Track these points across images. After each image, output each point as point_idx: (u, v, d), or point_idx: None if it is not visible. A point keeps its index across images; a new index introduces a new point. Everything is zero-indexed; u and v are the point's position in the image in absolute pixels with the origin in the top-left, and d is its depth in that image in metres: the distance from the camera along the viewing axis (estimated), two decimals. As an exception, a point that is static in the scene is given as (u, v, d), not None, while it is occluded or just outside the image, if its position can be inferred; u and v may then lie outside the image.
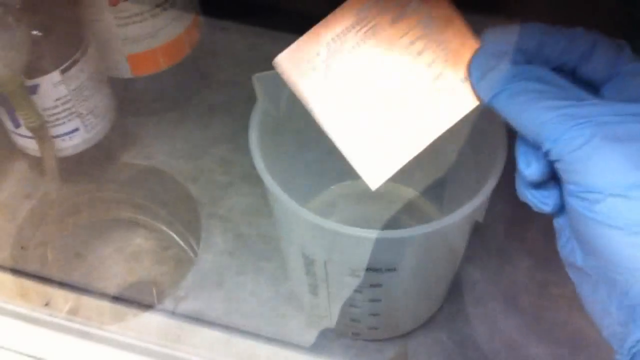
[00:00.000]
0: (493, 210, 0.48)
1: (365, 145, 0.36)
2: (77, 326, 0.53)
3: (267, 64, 0.48)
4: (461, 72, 0.36)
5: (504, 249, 0.59)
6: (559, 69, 0.35)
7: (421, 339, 0.55)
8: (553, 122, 0.32)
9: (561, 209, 0.35)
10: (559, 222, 0.35)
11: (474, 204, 0.42)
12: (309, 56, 0.36)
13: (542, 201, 0.35)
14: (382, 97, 0.36)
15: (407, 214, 0.60)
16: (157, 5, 0.59)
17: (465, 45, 0.36)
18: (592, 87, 0.35)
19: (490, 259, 0.59)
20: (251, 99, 0.48)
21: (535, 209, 0.36)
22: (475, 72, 0.36)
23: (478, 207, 0.42)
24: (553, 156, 0.32)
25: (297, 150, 0.55)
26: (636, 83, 0.33)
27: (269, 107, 0.48)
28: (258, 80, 0.47)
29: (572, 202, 0.32)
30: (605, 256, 0.31)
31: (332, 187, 0.62)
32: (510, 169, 0.37)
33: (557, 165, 0.33)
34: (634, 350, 0.31)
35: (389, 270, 0.46)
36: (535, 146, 0.34)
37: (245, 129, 0.48)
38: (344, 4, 0.36)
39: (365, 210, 0.61)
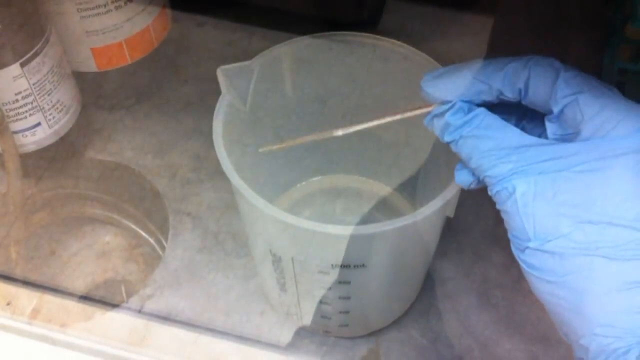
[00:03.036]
0: (466, 206, 0.48)
1: None
2: (38, 330, 0.52)
3: (243, 59, 0.47)
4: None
5: (477, 244, 0.59)
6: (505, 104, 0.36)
7: (393, 336, 0.55)
8: (487, 175, 0.34)
9: None
10: None
11: (442, 199, 0.41)
12: None
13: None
14: None
15: (380, 211, 0.60)
16: (121, -3, 0.58)
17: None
18: (539, 116, 0.36)
19: (462, 255, 0.58)
20: (225, 95, 0.48)
21: None
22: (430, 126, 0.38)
23: (447, 202, 0.41)
24: (496, 204, 0.35)
25: (264, 145, 0.54)
26: (572, 117, 0.33)
27: (234, 100, 0.47)
28: (223, 73, 0.46)
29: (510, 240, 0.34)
30: (538, 297, 0.34)
31: (303, 183, 0.61)
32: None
33: None
34: None
35: (357, 267, 0.45)
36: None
37: (217, 124, 0.47)
38: None
39: (336, 206, 0.60)
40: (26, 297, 0.56)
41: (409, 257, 0.49)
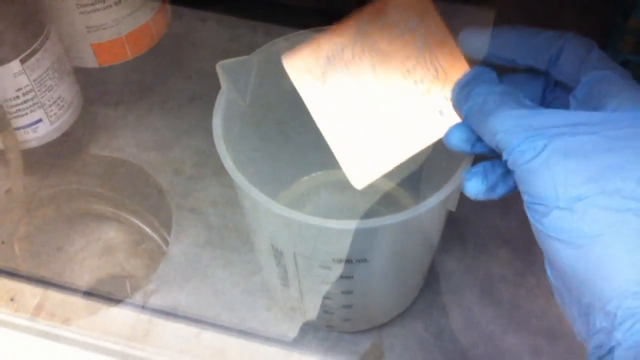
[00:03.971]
0: (469, 201, 0.48)
1: (354, 148, 0.39)
2: (41, 326, 0.53)
3: (246, 54, 0.47)
4: (448, 91, 0.39)
5: (481, 239, 0.59)
6: (532, 71, 0.38)
7: (397, 331, 0.55)
8: (508, 134, 0.33)
9: None
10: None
11: (444, 193, 0.41)
12: (310, 64, 0.40)
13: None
14: (373, 107, 0.39)
15: (383, 205, 0.59)
16: (121, -8, 0.58)
17: (454, 66, 0.39)
18: (564, 90, 0.37)
19: (466, 250, 0.58)
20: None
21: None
22: (456, 93, 0.38)
23: (448, 196, 0.41)
24: (510, 166, 0.33)
25: (266, 140, 0.54)
26: (599, 90, 0.34)
27: (234, 95, 0.47)
28: (222, 68, 0.46)
29: (527, 213, 0.33)
30: (557, 267, 0.32)
31: (305, 178, 0.61)
32: (482, 158, 0.38)
33: (515, 176, 0.34)
34: (594, 357, 0.31)
35: (359, 261, 0.45)
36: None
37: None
38: (345, 19, 0.40)
39: (339, 201, 0.60)
40: (30, 293, 0.56)
41: (411, 251, 0.48)
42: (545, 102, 0.39)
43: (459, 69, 0.39)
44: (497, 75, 0.38)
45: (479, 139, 0.37)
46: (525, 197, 0.33)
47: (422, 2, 0.39)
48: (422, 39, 0.39)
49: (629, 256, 0.30)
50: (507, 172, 0.37)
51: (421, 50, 0.39)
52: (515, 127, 0.33)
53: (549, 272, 0.33)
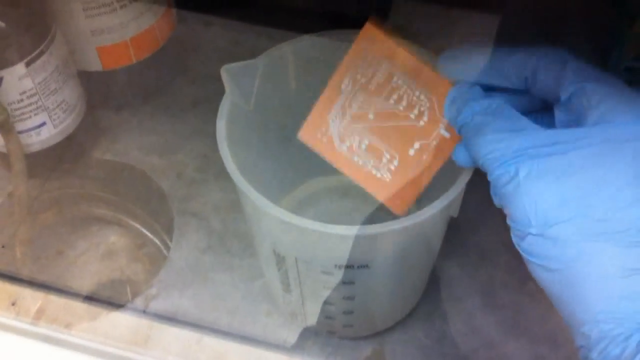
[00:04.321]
0: (471, 207, 0.48)
1: (386, 184, 0.43)
2: (42, 330, 0.52)
3: (250, 58, 0.47)
4: (439, 110, 0.41)
5: (482, 245, 0.58)
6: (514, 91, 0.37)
7: (398, 337, 0.54)
8: (487, 160, 0.34)
9: None
10: None
11: (446, 199, 0.41)
12: (322, 131, 0.43)
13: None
14: (387, 146, 0.43)
15: (385, 211, 0.59)
16: (126, -4, 0.58)
17: (439, 88, 0.40)
18: (547, 105, 0.37)
19: (468, 256, 0.58)
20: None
21: None
22: (447, 112, 0.40)
23: (450, 202, 0.41)
24: (491, 192, 0.34)
25: (270, 144, 0.54)
26: (578, 103, 0.34)
27: (238, 99, 0.47)
28: (227, 72, 0.46)
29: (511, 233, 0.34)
30: (541, 287, 0.33)
31: (308, 183, 0.61)
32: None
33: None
34: None
35: (361, 267, 0.45)
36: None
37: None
38: (329, 84, 0.43)
39: (342, 206, 0.60)
40: (31, 298, 0.56)
41: (413, 258, 0.48)
42: (532, 114, 0.38)
43: (444, 88, 0.40)
44: (480, 89, 0.38)
45: None
46: (507, 220, 0.34)
47: (385, 43, 0.41)
48: (400, 76, 0.41)
49: (601, 282, 0.30)
50: None
51: (404, 86, 0.41)
52: (492, 152, 0.34)
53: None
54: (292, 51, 0.49)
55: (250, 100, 0.48)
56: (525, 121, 0.35)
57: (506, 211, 0.34)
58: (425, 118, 0.41)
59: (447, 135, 0.41)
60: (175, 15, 0.67)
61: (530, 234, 0.32)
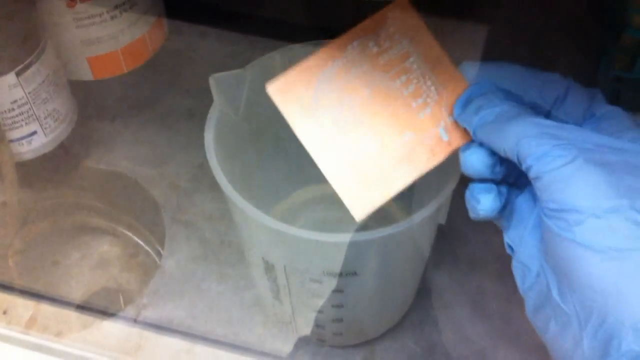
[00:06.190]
0: (461, 216, 0.48)
1: (352, 178, 0.37)
2: (34, 339, 0.53)
3: (243, 69, 0.47)
4: (449, 108, 0.38)
5: (472, 254, 0.59)
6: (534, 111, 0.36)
7: (388, 345, 0.55)
8: (536, 139, 0.32)
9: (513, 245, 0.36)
10: (520, 261, 0.36)
11: (433, 206, 0.41)
12: (299, 89, 0.37)
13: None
14: (371, 134, 0.37)
15: (375, 219, 0.59)
16: (116, 7, 0.58)
17: (454, 84, 0.38)
18: None
19: (457, 264, 0.58)
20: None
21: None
22: (461, 107, 0.37)
23: (437, 210, 0.41)
24: (533, 173, 0.32)
25: (261, 153, 0.54)
26: (610, 124, 0.34)
27: (226, 108, 0.47)
28: (215, 81, 0.46)
29: (549, 223, 0.32)
30: (582, 281, 0.30)
31: (300, 191, 0.61)
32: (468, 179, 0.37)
33: (536, 184, 0.32)
34: None
35: (349, 274, 0.45)
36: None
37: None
38: (334, 41, 0.38)
39: (331, 214, 0.60)
40: (22, 306, 0.56)
41: (402, 265, 0.49)
42: None
43: (459, 86, 0.38)
44: (503, 94, 0.36)
45: (498, 163, 0.36)
46: (549, 205, 0.31)
47: (414, 21, 0.38)
48: (416, 59, 0.38)
49: None
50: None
51: (417, 71, 0.38)
52: (541, 134, 0.32)
53: (557, 297, 0.32)
54: (280, 60, 0.49)
55: (239, 109, 0.48)
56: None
57: (552, 195, 0.31)
58: (427, 111, 0.38)
59: (445, 138, 0.37)
60: (167, 25, 0.67)
61: (594, 215, 0.30)
